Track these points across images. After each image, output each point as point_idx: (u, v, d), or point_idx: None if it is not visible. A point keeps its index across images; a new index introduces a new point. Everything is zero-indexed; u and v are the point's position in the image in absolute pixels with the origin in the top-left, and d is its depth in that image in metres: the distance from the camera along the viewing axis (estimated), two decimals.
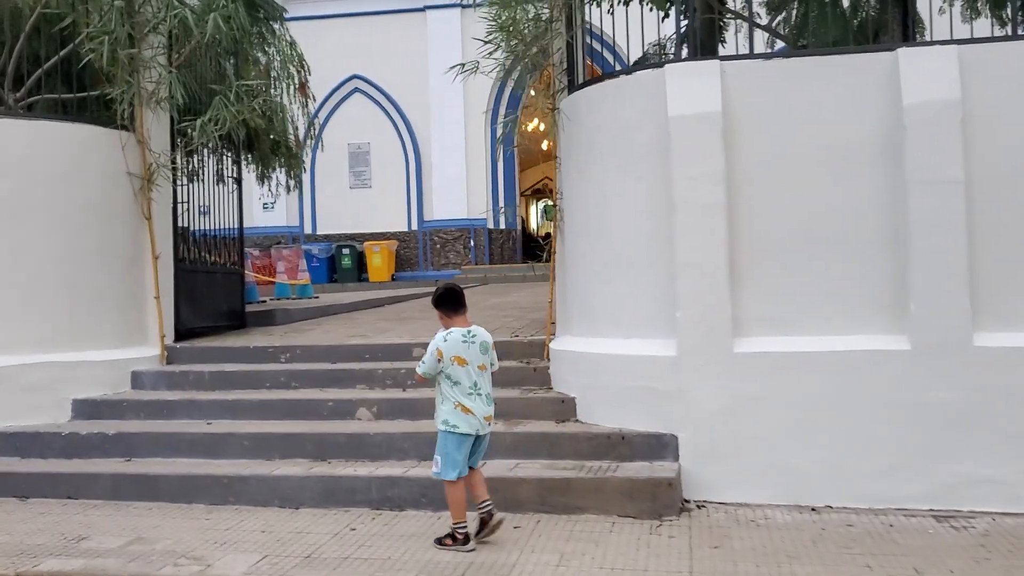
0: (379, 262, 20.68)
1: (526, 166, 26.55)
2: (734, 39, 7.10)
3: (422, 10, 21.15)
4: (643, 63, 7.05)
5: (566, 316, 6.82)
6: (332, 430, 6.21)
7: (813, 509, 5.36)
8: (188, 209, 8.25)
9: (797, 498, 5.45)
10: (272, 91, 10.44)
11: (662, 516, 5.23)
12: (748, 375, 5.54)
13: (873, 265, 5.48)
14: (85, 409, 6.89)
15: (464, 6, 20.80)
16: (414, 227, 21.37)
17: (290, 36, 11.23)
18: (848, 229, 5.51)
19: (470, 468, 4.90)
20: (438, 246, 21.20)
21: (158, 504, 5.77)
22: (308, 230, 21.76)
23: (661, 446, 5.68)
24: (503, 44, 6.80)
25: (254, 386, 7.06)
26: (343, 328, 9.33)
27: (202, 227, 8.82)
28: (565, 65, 6.89)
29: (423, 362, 4.87)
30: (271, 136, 11.27)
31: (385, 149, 21.38)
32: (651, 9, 7.80)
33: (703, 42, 6.88)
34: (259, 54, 10.14)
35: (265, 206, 20.70)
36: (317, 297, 14.80)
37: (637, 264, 5.94)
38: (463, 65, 7.13)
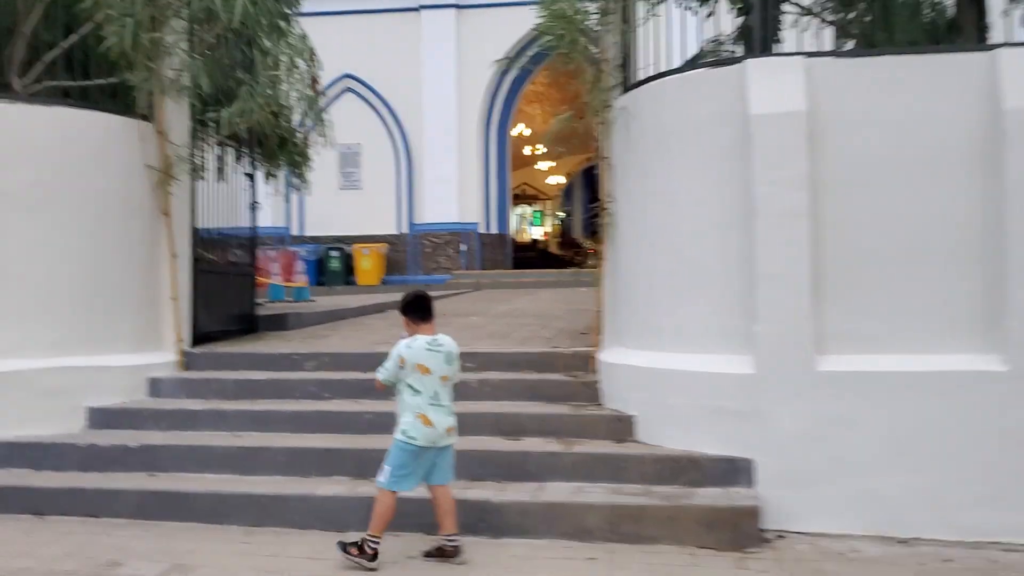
0: (368, 265, 20.19)
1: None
2: (793, 37, 6.75)
3: (416, 10, 20.69)
4: (698, 61, 6.70)
5: (616, 327, 6.44)
6: (374, 445, 5.74)
7: (901, 541, 5.01)
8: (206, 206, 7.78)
9: (883, 528, 5.10)
10: (283, 85, 9.96)
11: (744, 548, 4.87)
12: (832, 395, 5.18)
13: (967, 279, 5.15)
14: (101, 418, 6.38)
15: (460, 7, 20.43)
16: (404, 230, 20.90)
17: (300, 28, 10.76)
18: (940, 240, 5.18)
19: (438, 487, 4.70)
20: (428, 250, 20.75)
21: (189, 525, 5.29)
22: (295, 231, 21.19)
23: (735, 471, 5.31)
24: (560, 36, 6.38)
25: (282, 396, 6.61)
26: (362, 334, 8.89)
27: (210, 225, 8.31)
28: (620, 60, 6.53)
29: (384, 367, 4.69)
30: (278, 132, 10.78)
31: (376, 150, 20.88)
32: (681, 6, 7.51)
33: (762, 39, 6.58)
34: (271, 45, 9.63)
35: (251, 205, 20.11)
36: (314, 300, 14.30)
37: (710, 274, 5.58)
38: (510, 60, 6.73)
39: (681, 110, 5.76)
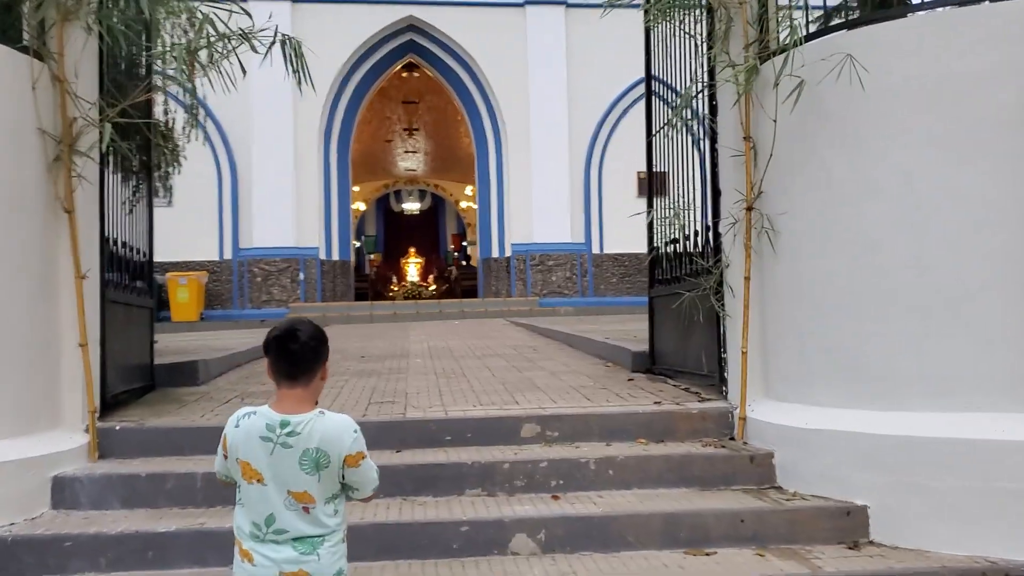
0: (186, 297, 16.98)
1: None
2: None
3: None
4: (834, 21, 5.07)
5: (777, 374, 4.62)
6: None
7: None
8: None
9: None
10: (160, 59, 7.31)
11: None
12: None
13: None
14: None
15: (296, 0, 17.91)
16: (228, 256, 17.83)
17: None
18: None
19: None
20: (259, 279, 17.80)
21: None
22: None
23: None
24: None
25: None
26: None
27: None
28: (758, 8, 4.77)
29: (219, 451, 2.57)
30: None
31: (192, 161, 17.63)
32: None
33: None
34: None
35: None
36: (156, 341, 11.28)
37: (992, 299, 3.86)
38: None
39: (929, 62, 4.03)
